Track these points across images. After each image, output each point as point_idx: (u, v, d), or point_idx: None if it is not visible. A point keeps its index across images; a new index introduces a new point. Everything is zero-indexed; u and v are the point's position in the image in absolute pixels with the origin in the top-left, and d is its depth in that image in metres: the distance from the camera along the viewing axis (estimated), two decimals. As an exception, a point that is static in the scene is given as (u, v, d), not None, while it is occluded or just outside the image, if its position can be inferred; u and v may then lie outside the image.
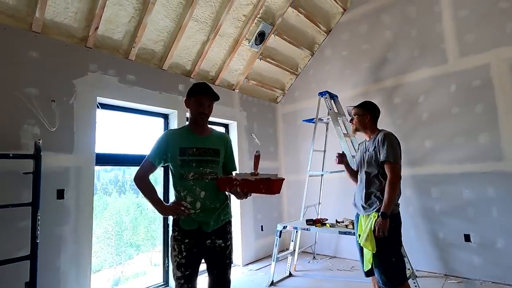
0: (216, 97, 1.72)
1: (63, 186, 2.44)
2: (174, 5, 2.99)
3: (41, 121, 2.37)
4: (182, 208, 1.59)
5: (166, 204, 1.68)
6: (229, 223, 1.75)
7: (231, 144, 1.86)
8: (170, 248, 1.66)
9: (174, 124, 3.40)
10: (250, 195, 1.61)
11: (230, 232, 1.73)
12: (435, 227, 3.28)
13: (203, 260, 1.66)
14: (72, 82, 2.60)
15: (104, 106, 2.89)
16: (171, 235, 1.66)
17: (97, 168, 2.71)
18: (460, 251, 3.10)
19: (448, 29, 3.32)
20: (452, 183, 3.20)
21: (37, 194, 2.11)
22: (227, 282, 1.68)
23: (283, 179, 1.54)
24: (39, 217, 2.08)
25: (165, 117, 3.49)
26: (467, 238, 3.07)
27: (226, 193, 1.76)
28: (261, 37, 3.73)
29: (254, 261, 4.01)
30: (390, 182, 1.87)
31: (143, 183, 1.67)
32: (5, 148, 2.17)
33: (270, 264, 3.26)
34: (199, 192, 1.62)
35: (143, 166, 1.68)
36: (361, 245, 1.92)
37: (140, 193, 1.67)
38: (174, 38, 3.16)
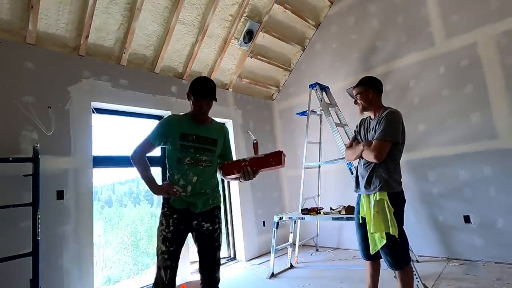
0: (215, 99, 1.81)
1: (62, 187, 2.57)
2: (161, 9, 3.11)
3: (39, 126, 2.50)
4: (174, 190, 1.67)
5: (159, 184, 1.76)
6: (217, 207, 1.83)
7: (229, 135, 1.99)
8: (158, 224, 1.74)
9: (169, 125, 3.49)
10: (257, 174, 1.72)
11: (218, 216, 1.81)
12: (434, 211, 3.25)
13: (193, 250, 1.72)
14: (67, 89, 2.74)
15: (99, 110, 3.02)
16: (161, 212, 1.74)
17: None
18: (461, 233, 3.06)
19: (433, 12, 3.32)
20: (448, 165, 3.17)
21: (36, 194, 2.23)
22: (216, 280, 1.72)
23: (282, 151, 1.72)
24: (39, 216, 2.19)
25: (159, 118, 3.60)
26: (467, 219, 3.03)
27: (219, 179, 1.86)
28: (249, 35, 3.82)
29: (257, 257, 4.05)
30: (369, 150, 1.83)
31: (140, 161, 1.75)
32: (6, 153, 2.31)
33: (271, 257, 3.29)
34: (192, 177, 1.71)
35: (142, 145, 1.76)
36: (372, 232, 1.82)
37: (138, 174, 1.75)
38: (163, 42, 3.27)
